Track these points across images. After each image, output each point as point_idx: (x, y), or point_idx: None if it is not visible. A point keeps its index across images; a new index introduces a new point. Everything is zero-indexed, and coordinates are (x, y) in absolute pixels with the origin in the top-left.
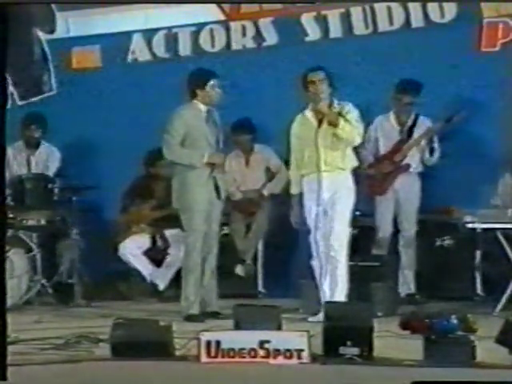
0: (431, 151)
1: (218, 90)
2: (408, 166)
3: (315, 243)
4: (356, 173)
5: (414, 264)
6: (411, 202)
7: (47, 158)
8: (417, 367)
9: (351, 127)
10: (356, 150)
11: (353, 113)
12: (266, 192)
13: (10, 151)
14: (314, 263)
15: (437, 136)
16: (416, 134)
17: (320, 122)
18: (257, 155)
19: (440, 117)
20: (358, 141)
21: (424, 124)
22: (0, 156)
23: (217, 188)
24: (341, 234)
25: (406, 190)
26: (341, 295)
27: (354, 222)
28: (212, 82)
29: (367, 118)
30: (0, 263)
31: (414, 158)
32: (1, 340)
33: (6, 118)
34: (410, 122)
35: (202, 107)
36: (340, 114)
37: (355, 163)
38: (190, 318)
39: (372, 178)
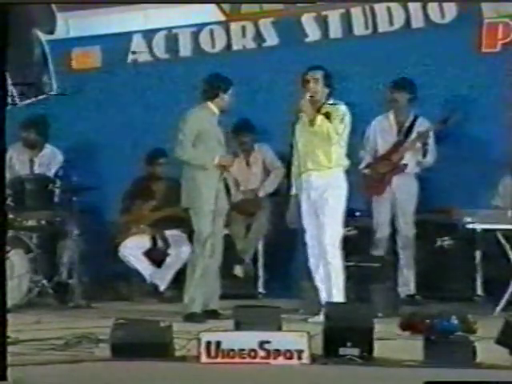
0: (424, 153)
1: (234, 98)
2: (405, 166)
3: (309, 244)
4: (353, 172)
5: (413, 264)
6: (408, 203)
7: (50, 160)
8: (417, 368)
9: (328, 124)
10: (354, 149)
11: (338, 111)
12: (261, 191)
13: (11, 152)
14: (311, 264)
15: (433, 138)
16: (413, 134)
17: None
18: (256, 154)
19: (436, 118)
20: (334, 138)
21: (422, 125)
22: (0, 156)
23: (228, 189)
24: (333, 234)
25: (403, 191)
26: (337, 296)
27: (354, 222)
28: (231, 90)
29: (367, 119)
30: (0, 264)
31: (410, 159)
32: (1, 340)
33: (5, 119)
34: (408, 123)
35: (216, 110)
36: (319, 111)
37: (344, 162)
38: (191, 317)
39: (370, 177)
